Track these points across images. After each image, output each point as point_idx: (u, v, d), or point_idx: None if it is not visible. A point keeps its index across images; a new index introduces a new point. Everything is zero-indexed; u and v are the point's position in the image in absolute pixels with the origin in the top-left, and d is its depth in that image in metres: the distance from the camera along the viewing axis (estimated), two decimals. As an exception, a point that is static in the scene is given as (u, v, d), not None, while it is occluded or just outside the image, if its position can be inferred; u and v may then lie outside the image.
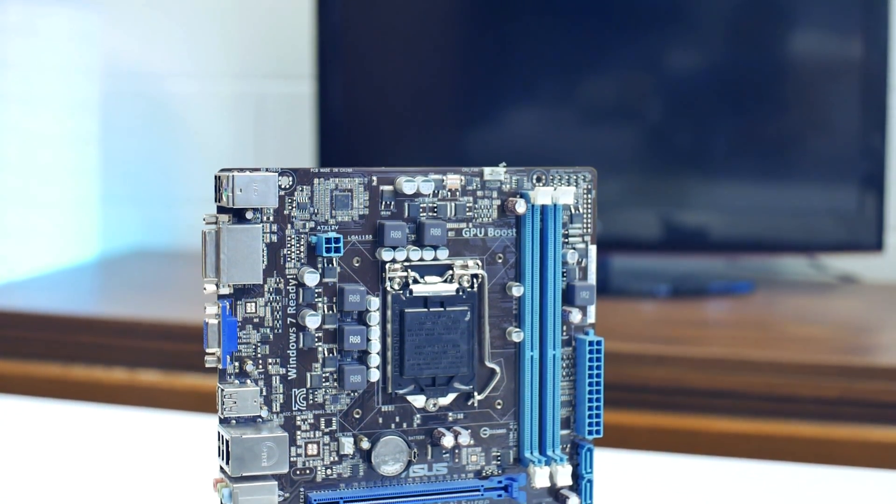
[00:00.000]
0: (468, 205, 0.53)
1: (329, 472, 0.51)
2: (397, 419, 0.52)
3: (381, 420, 0.52)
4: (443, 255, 0.52)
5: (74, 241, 1.88)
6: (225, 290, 0.50)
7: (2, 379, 1.35)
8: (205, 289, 0.49)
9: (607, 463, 0.72)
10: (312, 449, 0.51)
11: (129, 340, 1.35)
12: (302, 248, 0.50)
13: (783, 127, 1.58)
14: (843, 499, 0.72)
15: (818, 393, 1.16)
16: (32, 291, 1.60)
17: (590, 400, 0.54)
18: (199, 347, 0.50)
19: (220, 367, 0.50)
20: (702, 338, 1.33)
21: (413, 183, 0.51)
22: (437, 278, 0.52)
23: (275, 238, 0.50)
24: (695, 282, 1.60)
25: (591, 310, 0.55)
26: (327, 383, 0.51)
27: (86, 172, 1.90)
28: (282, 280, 0.50)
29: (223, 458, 0.49)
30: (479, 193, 0.53)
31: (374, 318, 0.51)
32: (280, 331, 0.50)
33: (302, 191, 0.50)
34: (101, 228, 1.93)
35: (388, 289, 0.52)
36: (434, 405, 0.53)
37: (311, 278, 0.50)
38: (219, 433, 0.50)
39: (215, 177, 0.50)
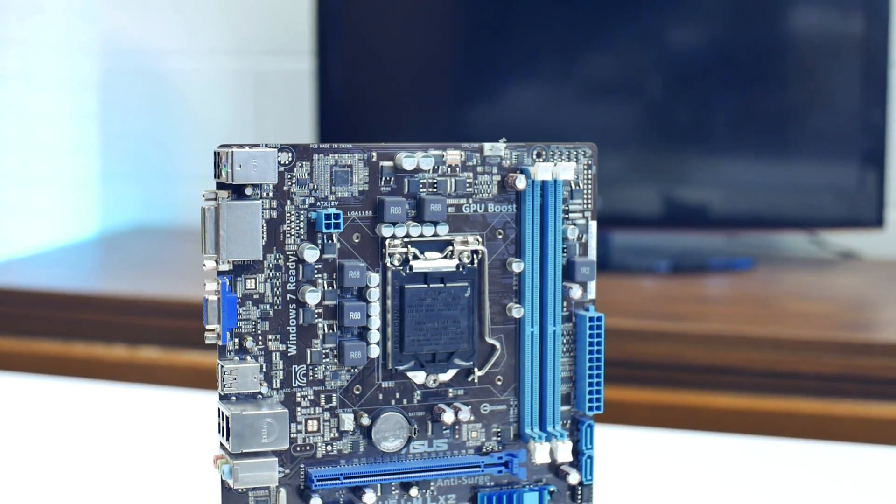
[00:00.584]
0: (468, 180, 0.53)
1: (329, 448, 0.51)
2: (397, 395, 0.52)
3: (381, 396, 0.52)
4: (443, 230, 0.52)
5: (74, 218, 1.87)
6: (224, 267, 0.49)
7: (2, 356, 1.36)
8: (204, 265, 0.49)
9: (608, 439, 0.72)
10: (312, 425, 0.51)
11: (130, 317, 1.35)
12: (301, 224, 0.50)
13: (784, 103, 1.58)
14: (843, 474, 0.72)
15: (818, 369, 1.16)
16: (33, 269, 1.60)
17: (590, 376, 0.54)
18: (199, 324, 0.50)
19: (219, 343, 0.49)
20: (702, 314, 1.33)
21: (413, 159, 0.51)
22: (437, 254, 0.52)
23: (274, 214, 0.50)
24: (695, 258, 1.60)
25: (592, 285, 0.54)
26: (327, 359, 0.51)
27: (85, 150, 1.90)
28: (281, 256, 0.50)
29: (223, 435, 0.49)
30: (480, 169, 0.53)
31: (374, 294, 0.51)
32: (280, 307, 0.50)
33: (301, 167, 0.50)
34: (100, 205, 1.93)
35: (388, 265, 0.51)
36: (434, 381, 0.53)
37: (311, 254, 0.50)
38: (219, 410, 0.50)
39: (215, 153, 0.49)
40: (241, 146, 0.49)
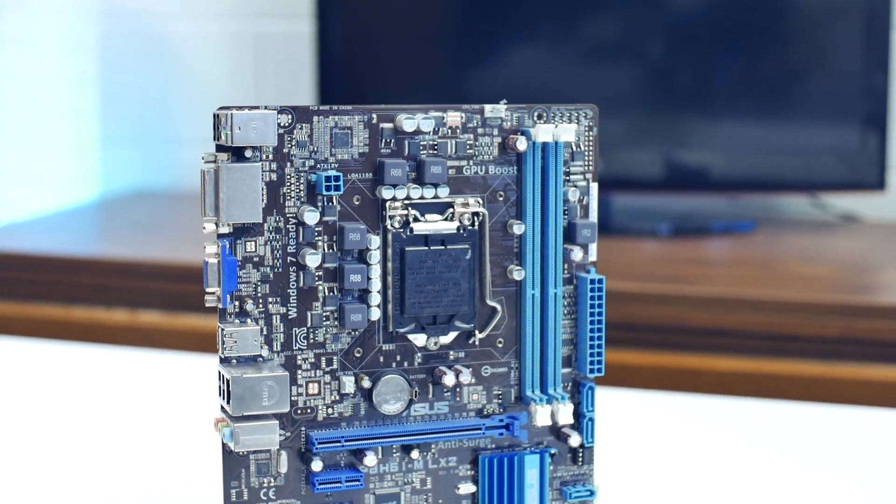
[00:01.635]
0: (469, 142, 0.52)
1: (330, 411, 0.51)
2: (398, 358, 0.52)
3: (381, 359, 0.52)
4: (443, 193, 0.52)
5: (75, 182, 1.87)
6: (224, 229, 0.49)
7: (3, 320, 1.36)
8: (204, 228, 0.49)
9: (609, 401, 0.72)
10: (313, 388, 0.51)
11: (130, 281, 1.36)
12: (302, 187, 0.50)
13: (785, 65, 1.57)
14: (843, 437, 0.72)
15: (819, 332, 1.16)
16: (33, 233, 1.60)
17: (591, 338, 0.54)
18: (199, 288, 0.50)
19: (220, 306, 0.49)
20: (703, 277, 1.33)
21: (413, 120, 0.51)
22: (437, 216, 0.52)
23: (274, 176, 0.50)
24: (696, 221, 1.60)
25: (593, 248, 0.54)
26: (328, 322, 0.51)
27: (85, 113, 1.89)
28: (281, 219, 0.50)
29: (224, 398, 0.49)
30: (480, 131, 0.53)
31: (375, 256, 0.51)
32: (280, 270, 0.50)
33: (301, 129, 0.50)
34: (101, 169, 1.93)
35: (389, 227, 0.51)
36: (435, 344, 0.52)
37: (311, 217, 0.50)
38: (219, 373, 0.50)
39: (214, 115, 0.49)
40: (240, 108, 0.48)
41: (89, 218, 1.77)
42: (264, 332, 0.50)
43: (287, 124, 0.50)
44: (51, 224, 1.66)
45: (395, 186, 0.51)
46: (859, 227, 1.62)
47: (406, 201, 0.51)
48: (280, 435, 0.50)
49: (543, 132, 0.52)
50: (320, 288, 0.51)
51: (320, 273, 0.51)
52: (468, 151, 0.52)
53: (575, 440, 0.54)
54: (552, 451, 0.55)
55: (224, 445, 0.50)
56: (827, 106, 1.54)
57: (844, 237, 1.56)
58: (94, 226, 1.76)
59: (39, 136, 1.79)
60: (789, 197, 1.69)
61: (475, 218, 0.52)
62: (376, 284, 0.51)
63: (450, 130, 0.52)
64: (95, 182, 1.92)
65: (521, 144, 0.52)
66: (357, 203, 0.51)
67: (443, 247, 0.52)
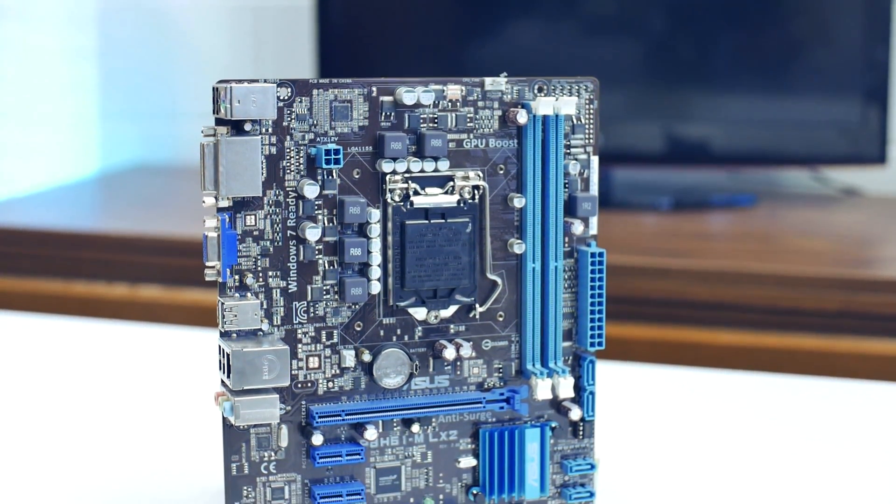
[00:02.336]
0: (469, 115, 0.52)
1: (330, 384, 0.51)
2: (399, 332, 0.52)
3: (382, 333, 0.52)
4: (443, 166, 0.52)
5: (74, 157, 1.87)
6: (224, 203, 0.49)
7: (3, 295, 1.36)
8: (204, 202, 0.49)
9: (609, 375, 0.72)
10: (314, 362, 0.51)
11: (131, 256, 1.35)
12: (301, 160, 0.50)
13: (786, 39, 1.56)
14: (843, 411, 0.72)
15: (820, 305, 1.16)
16: (33, 208, 1.60)
17: (592, 312, 0.54)
18: (200, 262, 0.50)
19: (220, 280, 0.49)
20: (704, 250, 1.33)
21: (413, 93, 0.51)
22: (437, 190, 0.52)
23: (274, 150, 0.50)
24: (697, 194, 1.60)
25: (593, 221, 0.54)
26: (328, 296, 0.51)
27: (84, 88, 1.89)
28: (281, 192, 0.50)
29: (224, 372, 0.49)
30: (480, 104, 0.52)
31: (375, 230, 0.51)
32: (280, 243, 0.50)
33: (301, 102, 0.50)
34: (100, 144, 1.92)
35: (389, 201, 0.51)
36: (435, 317, 0.52)
37: (311, 190, 0.50)
38: (220, 347, 0.50)
39: (213, 88, 0.49)
40: (239, 81, 0.48)
41: (89, 193, 1.77)
42: (264, 306, 0.50)
43: (286, 97, 0.50)
44: (50, 199, 1.66)
45: (395, 160, 0.51)
46: (860, 201, 1.62)
47: (406, 175, 0.51)
48: (280, 409, 0.50)
49: (544, 105, 0.52)
50: (320, 262, 0.51)
51: (320, 247, 0.51)
52: (468, 125, 0.52)
53: (575, 414, 0.54)
54: (553, 425, 0.55)
55: (224, 419, 0.50)
56: (828, 80, 1.54)
57: (845, 211, 1.56)
58: (94, 201, 1.76)
59: (39, 110, 1.78)
60: (790, 171, 1.69)
61: (475, 191, 0.52)
62: (376, 258, 0.51)
63: (450, 103, 0.52)
64: (95, 157, 1.91)
65: (522, 117, 0.52)
66: (357, 176, 0.51)
67: (443, 220, 0.52)
